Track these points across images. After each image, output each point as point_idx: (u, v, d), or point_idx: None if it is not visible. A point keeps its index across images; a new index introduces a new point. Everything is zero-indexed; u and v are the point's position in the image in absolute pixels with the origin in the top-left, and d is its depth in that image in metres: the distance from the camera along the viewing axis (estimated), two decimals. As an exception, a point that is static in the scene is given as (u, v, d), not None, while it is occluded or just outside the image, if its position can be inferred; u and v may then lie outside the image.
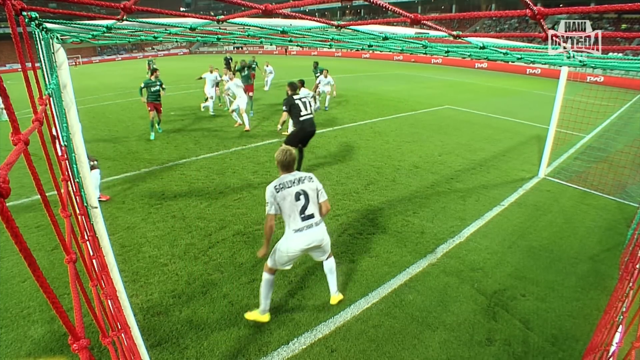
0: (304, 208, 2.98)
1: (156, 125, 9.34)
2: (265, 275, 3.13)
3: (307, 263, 4.06)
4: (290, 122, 6.74)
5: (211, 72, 11.73)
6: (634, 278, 2.15)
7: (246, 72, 11.38)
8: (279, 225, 4.08)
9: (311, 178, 3.09)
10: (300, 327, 3.15)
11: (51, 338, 3.01)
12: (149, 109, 8.89)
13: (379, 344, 3.01)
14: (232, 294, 3.56)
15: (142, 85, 8.78)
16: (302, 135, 6.03)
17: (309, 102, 6.01)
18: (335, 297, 3.42)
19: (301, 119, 5.92)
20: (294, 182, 2.99)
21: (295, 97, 6.01)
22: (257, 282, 3.72)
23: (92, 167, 4.94)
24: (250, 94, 11.17)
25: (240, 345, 2.97)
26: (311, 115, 6.00)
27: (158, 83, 8.98)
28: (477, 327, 3.20)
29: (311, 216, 3.01)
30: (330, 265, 3.34)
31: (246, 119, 9.51)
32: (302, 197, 2.97)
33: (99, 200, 4.67)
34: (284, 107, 6.01)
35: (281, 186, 2.96)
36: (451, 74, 25.10)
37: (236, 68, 11.69)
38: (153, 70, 9.34)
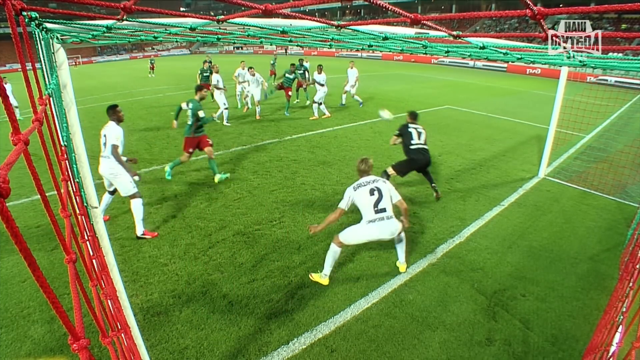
0: (377, 202, 3.44)
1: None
2: (333, 247, 3.58)
3: (307, 263, 4.06)
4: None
5: (243, 68, 12.07)
6: (634, 278, 2.15)
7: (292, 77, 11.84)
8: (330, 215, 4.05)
9: (385, 181, 3.62)
10: (300, 327, 3.15)
11: (51, 338, 3.01)
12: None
13: (379, 344, 3.01)
14: (232, 294, 3.56)
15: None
16: (412, 165, 5.51)
17: (423, 131, 5.61)
18: (401, 265, 3.87)
19: (411, 147, 5.45)
20: (369, 182, 3.55)
21: (410, 125, 5.62)
22: (257, 282, 3.72)
23: (133, 196, 4.44)
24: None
25: (240, 345, 2.97)
26: (423, 146, 5.50)
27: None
28: (477, 327, 3.20)
29: (383, 210, 3.46)
30: (400, 238, 3.78)
31: (258, 110, 11.06)
32: (375, 192, 3.46)
33: (144, 237, 4.50)
34: (396, 132, 5.71)
35: (358, 185, 3.54)
36: (451, 74, 25.10)
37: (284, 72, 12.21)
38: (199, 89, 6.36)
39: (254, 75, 10.97)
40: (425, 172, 5.62)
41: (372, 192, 3.46)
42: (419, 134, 5.53)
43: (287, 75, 11.57)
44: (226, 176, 6.34)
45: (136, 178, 4.47)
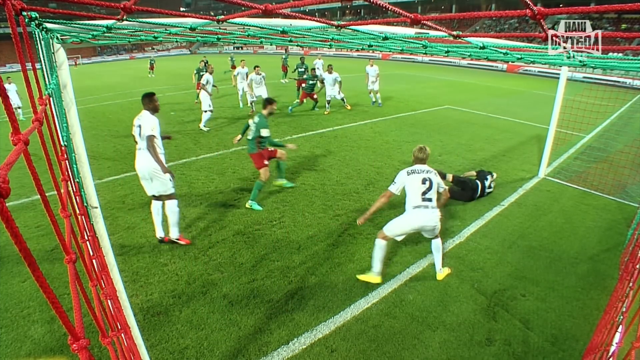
0: (426, 191, 3.59)
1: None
2: (379, 242, 3.67)
3: (307, 263, 4.06)
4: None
5: (243, 67, 12.30)
6: (634, 278, 2.15)
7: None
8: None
9: (436, 174, 3.73)
10: (300, 327, 3.15)
11: (51, 338, 3.01)
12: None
13: (379, 344, 3.01)
14: (232, 294, 3.56)
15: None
16: (469, 197, 5.66)
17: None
18: (440, 274, 3.84)
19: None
20: (423, 171, 3.67)
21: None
22: (257, 282, 3.72)
23: (170, 197, 4.11)
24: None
25: (240, 345, 2.97)
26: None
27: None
28: (477, 327, 3.20)
29: (430, 200, 3.59)
30: (437, 244, 3.79)
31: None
32: (427, 182, 3.61)
33: (177, 241, 4.27)
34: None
35: (412, 171, 3.68)
36: (451, 74, 25.10)
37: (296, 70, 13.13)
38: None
39: (259, 74, 10.94)
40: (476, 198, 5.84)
41: (424, 181, 3.61)
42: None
43: (310, 81, 11.75)
44: (291, 185, 6.02)
45: (168, 176, 4.11)
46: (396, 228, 3.64)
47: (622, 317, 1.78)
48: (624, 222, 5.14)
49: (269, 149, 5.50)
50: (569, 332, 3.18)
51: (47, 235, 4.58)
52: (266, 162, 5.36)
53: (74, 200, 1.56)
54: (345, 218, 5.06)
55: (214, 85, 10.13)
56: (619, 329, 1.78)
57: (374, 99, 13.13)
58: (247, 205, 5.36)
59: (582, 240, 4.67)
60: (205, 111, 9.62)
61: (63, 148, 1.65)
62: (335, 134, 9.36)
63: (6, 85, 11.09)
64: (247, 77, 12.58)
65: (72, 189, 1.60)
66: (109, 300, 1.59)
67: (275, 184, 6.02)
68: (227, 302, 3.45)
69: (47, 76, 1.75)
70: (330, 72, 11.63)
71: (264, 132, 5.21)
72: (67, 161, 1.57)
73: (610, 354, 1.70)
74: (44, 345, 2.94)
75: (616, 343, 1.72)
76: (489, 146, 8.51)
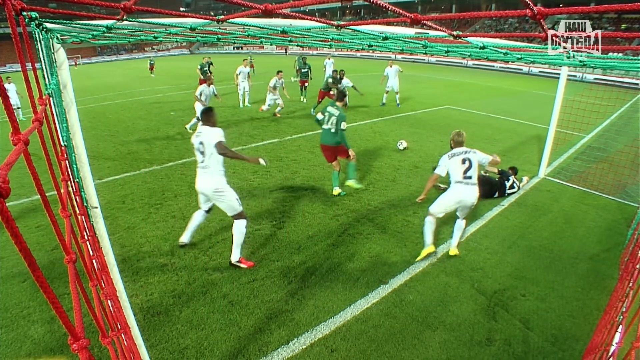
0: (467, 170, 3.97)
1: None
2: (428, 219, 4.13)
3: (307, 263, 4.06)
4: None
5: (245, 66, 12.24)
6: (634, 278, 2.15)
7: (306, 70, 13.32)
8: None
9: (475, 152, 4.07)
10: (300, 327, 3.15)
11: (51, 338, 3.01)
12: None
13: (379, 344, 3.01)
14: (232, 294, 3.56)
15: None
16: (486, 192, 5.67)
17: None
18: (453, 250, 4.24)
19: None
20: (461, 153, 4.05)
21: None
22: (257, 282, 3.72)
23: (239, 216, 3.87)
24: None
25: (240, 345, 2.97)
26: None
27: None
28: (477, 327, 3.20)
29: (470, 177, 3.96)
30: (460, 225, 4.24)
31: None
32: (466, 162, 3.98)
33: (238, 264, 3.92)
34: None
35: (452, 155, 4.08)
36: (451, 74, 25.11)
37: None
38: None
39: (281, 78, 10.77)
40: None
41: (463, 162, 4.00)
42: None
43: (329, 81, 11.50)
44: (360, 186, 5.95)
45: (262, 162, 4.06)
46: (440, 206, 4.07)
47: (622, 317, 1.78)
48: (624, 222, 5.14)
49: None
50: (569, 332, 3.18)
51: (47, 235, 4.57)
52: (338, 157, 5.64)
53: (74, 200, 1.56)
54: (345, 218, 5.06)
55: (215, 95, 9.33)
56: (619, 329, 1.78)
57: (385, 101, 13.04)
58: (347, 183, 5.87)
59: (582, 240, 4.67)
60: (198, 119, 8.94)
61: (63, 148, 1.65)
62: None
63: (6, 85, 11.08)
64: (248, 76, 12.57)
65: (72, 189, 1.60)
66: (109, 300, 1.59)
67: (348, 185, 5.90)
68: (227, 302, 3.45)
69: (47, 76, 1.75)
70: (341, 78, 11.46)
71: (344, 125, 5.40)
72: (67, 161, 1.57)
73: (610, 353, 1.70)
74: (44, 345, 2.94)
75: (616, 343, 1.72)
76: (489, 146, 8.51)
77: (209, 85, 9.01)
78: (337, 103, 5.53)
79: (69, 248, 0.97)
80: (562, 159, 7.78)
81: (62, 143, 1.71)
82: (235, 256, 3.94)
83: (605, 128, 10.71)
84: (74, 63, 42.28)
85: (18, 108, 12.32)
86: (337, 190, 5.78)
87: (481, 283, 3.77)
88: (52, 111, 1.55)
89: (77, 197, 1.66)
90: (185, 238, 4.25)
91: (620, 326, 1.77)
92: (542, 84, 21.26)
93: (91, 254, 1.57)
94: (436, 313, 3.35)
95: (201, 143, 3.82)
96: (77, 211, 1.55)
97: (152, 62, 25.96)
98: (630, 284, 2.11)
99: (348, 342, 3.01)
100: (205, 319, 3.24)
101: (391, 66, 12.58)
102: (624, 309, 1.85)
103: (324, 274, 3.88)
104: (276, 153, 7.82)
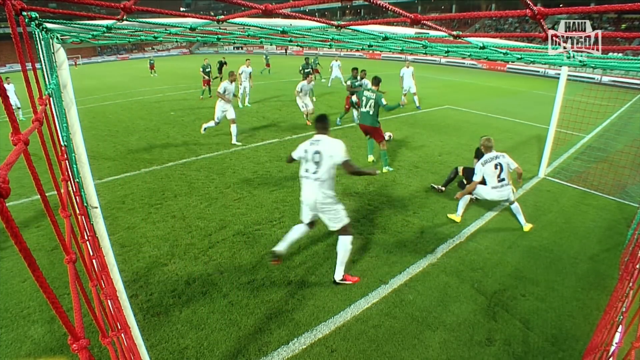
0: (499, 174, 4.66)
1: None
2: (464, 197, 4.95)
3: (307, 263, 4.06)
4: None
5: (248, 66, 12.31)
6: (634, 278, 2.15)
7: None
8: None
9: (504, 156, 4.75)
10: (300, 327, 3.15)
11: (51, 338, 3.01)
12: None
13: (379, 344, 3.01)
14: (232, 294, 3.56)
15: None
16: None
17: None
18: (526, 226, 4.82)
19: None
20: (493, 158, 4.72)
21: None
22: (257, 282, 3.72)
23: (345, 231, 3.58)
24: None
25: (240, 345, 2.97)
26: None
27: None
28: (477, 327, 3.20)
29: (503, 179, 4.68)
30: (516, 208, 4.86)
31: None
32: (498, 167, 4.66)
33: (343, 282, 3.68)
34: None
35: (485, 161, 4.73)
36: (451, 74, 25.10)
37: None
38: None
39: (310, 82, 9.96)
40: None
41: (496, 167, 4.65)
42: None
43: (353, 82, 9.85)
44: (391, 169, 6.87)
45: (378, 171, 4.54)
46: (482, 192, 4.82)
47: (622, 317, 1.78)
48: (624, 222, 5.14)
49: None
50: (569, 332, 3.18)
51: (47, 235, 4.58)
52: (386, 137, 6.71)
53: (74, 200, 1.56)
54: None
55: (234, 95, 8.83)
56: (619, 329, 1.78)
57: (403, 102, 12.56)
58: (384, 171, 6.71)
59: (582, 240, 4.67)
60: (215, 122, 8.60)
61: (63, 148, 1.65)
62: (335, 134, 9.34)
63: (5, 86, 11.10)
64: (250, 76, 12.56)
65: (72, 189, 1.60)
66: (109, 300, 1.59)
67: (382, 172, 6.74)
68: (227, 302, 3.45)
69: (47, 76, 1.75)
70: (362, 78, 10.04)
71: (384, 101, 6.42)
72: (67, 161, 1.57)
73: (610, 353, 1.70)
74: (44, 345, 2.94)
75: (616, 343, 1.72)
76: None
77: (231, 82, 8.48)
78: (373, 87, 6.63)
79: (69, 248, 0.97)
80: (562, 159, 7.78)
81: (62, 143, 1.71)
82: (339, 274, 3.68)
83: (605, 128, 10.71)
84: (73, 63, 42.33)
85: (18, 108, 12.34)
86: (371, 158, 7.24)
87: (481, 283, 3.78)
88: (52, 111, 1.55)
89: (77, 197, 1.66)
90: (281, 247, 3.74)
91: (620, 326, 1.77)
92: (542, 84, 21.26)
93: (91, 254, 1.57)
94: (436, 313, 3.35)
95: (317, 152, 3.49)
96: (77, 211, 1.55)
97: (152, 62, 25.98)
98: (630, 284, 2.11)
99: (348, 342, 3.01)
100: (205, 319, 3.24)
101: (408, 67, 12.40)
102: (624, 309, 1.85)
103: (324, 274, 3.88)
104: (276, 153, 7.82)
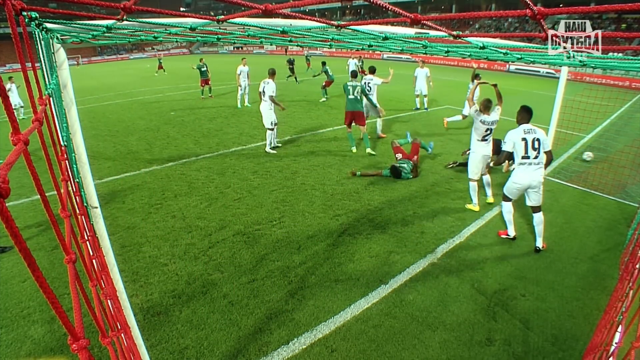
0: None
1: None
2: (473, 185, 5.32)
3: (307, 263, 4.06)
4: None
5: (245, 65, 12.23)
6: (634, 278, 2.15)
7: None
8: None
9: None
10: (300, 327, 3.15)
11: (51, 338, 3.01)
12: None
13: (379, 344, 3.01)
14: (232, 294, 3.56)
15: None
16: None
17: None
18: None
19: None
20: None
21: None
22: (257, 282, 3.72)
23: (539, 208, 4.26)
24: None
25: (240, 345, 2.97)
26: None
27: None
28: (477, 327, 3.20)
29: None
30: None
31: None
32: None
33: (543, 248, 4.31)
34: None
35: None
36: (451, 74, 25.09)
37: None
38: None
39: (373, 83, 8.62)
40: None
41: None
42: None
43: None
44: (374, 154, 7.63)
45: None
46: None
47: (622, 317, 1.78)
48: (624, 222, 5.14)
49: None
50: (569, 332, 3.17)
51: (47, 235, 4.58)
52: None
53: (74, 200, 1.56)
54: (345, 218, 5.05)
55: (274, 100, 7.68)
56: (619, 329, 1.78)
57: (418, 105, 12.35)
58: (367, 152, 7.58)
59: (582, 240, 4.66)
60: (270, 129, 7.80)
61: (63, 148, 1.65)
62: (335, 133, 9.35)
63: (7, 85, 11.17)
64: (248, 76, 12.56)
65: (72, 189, 1.60)
66: (109, 300, 1.59)
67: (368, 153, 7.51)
68: (227, 302, 3.45)
69: (47, 76, 1.75)
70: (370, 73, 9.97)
71: (377, 82, 8.30)
72: (67, 161, 1.57)
73: (610, 353, 1.70)
74: (44, 345, 2.94)
75: (616, 343, 1.72)
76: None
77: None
78: (356, 78, 7.64)
79: (68, 248, 0.97)
80: (562, 159, 7.78)
81: (62, 143, 1.71)
82: (539, 242, 4.36)
83: (605, 128, 10.70)
84: (75, 63, 42.39)
85: (21, 107, 12.40)
86: (354, 150, 7.87)
87: (481, 283, 3.77)
88: (52, 111, 1.55)
89: (77, 197, 1.66)
90: (513, 231, 4.59)
91: (620, 326, 1.77)
92: (542, 84, 21.24)
93: (91, 254, 1.57)
94: (436, 313, 3.34)
95: (537, 140, 4.19)
96: (77, 211, 1.55)
97: (160, 61, 26.31)
98: (630, 284, 2.11)
99: (348, 342, 3.01)
100: (205, 319, 3.24)
101: (422, 67, 11.85)
102: (623, 309, 1.85)
103: (324, 274, 3.88)
104: (276, 153, 7.82)
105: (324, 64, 14.88)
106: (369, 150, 7.63)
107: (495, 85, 5.59)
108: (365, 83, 8.29)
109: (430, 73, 12.14)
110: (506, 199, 4.45)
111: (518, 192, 4.31)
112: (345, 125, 7.78)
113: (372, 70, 8.69)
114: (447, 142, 8.80)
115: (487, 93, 8.34)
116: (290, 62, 19.34)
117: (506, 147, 4.36)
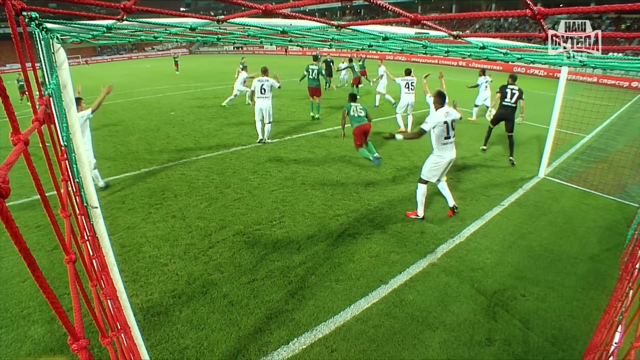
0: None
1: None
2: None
3: (307, 263, 4.06)
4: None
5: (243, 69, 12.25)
6: (633, 278, 2.15)
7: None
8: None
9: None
10: (300, 327, 3.15)
11: (51, 338, 3.01)
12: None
13: (379, 344, 3.01)
14: (232, 294, 3.56)
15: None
16: (499, 117, 7.63)
17: (517, 92, 7.26)
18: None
19: (503, 103, 7.45)
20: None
21: (508, 86, 7.45)
22: (257, 282, 3.72)
23: None
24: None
25: (240, 345, 2.97)
26: (511, 104, 7.34)
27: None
28: (477, 327, 3.20)
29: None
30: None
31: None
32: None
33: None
34: (497, 91, 7.58)
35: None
36: (451, 74, 25.09)
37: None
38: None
39: (408, 86, 9.34)
40: (509, 136, 7.45)
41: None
42: (513, 94, 7.23)
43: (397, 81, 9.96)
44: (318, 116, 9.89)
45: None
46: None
47: (621, 317, 1.78)
48: (624, 222, 5.14)
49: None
50: (569, 332, 3.18)
51: (47, 235, 4.58)
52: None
53: (74, 200, 1.56)
54: (345, 218, 5.05)
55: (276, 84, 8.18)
56: (619, 329, 1.78)
57: (474, 117, 12.00)
58: (314, 115, 10.05)
59: (582, 240, 4.67)
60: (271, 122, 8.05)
61: (63, 148, 1.65)
62: (335, 133, 9.35)
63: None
64: (244, 81, 12.56)
65: (72, 189, 1.60)
66: (109, 300, 1.59)
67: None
68: (227, 302, 3.45)
69: (47, 76, 1.75)
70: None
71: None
72: (67, 161, 1.57)
73: (610, 353, 1.70)
74: (44, 345, 2.94)
75: (616, 343, 1.72)
76: (489, 146, 8.51)
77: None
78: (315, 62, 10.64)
79: (68, 248, 0.97)
80: (562, 159, 7.78)
81: (62, 143, 1.71)
82: (451, 202, 5.05)
83: (605, 128, 10.70)
84: (85, 62, 42.59)
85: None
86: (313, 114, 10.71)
87: (481, 283, 3.77)
88: (52, 111, 1.55)
89: (77, 197, 1.66)
90: (422, 212, 5.01)
91: (620, 326, 1.77)
92: (542, 84, 21.25)
93: (91, 254, 1.57)
94: (436, 313, 3.34)
95: (454, 120, 4.71)
96: (77, 211, 1.55)
97: (176, 60, 26.11)
98: (630, 284, 2.11)
99: (348, 342, 3.01)
100: (205, 319, 3.24)
101: (483, 74, 11.16)
102: (623, 309, 1.85)
103: (324, 274, 3.88)
104: (276, 153, 7.82)
105: (350, 60, 14.23)
106: (317, 115, 10.62)
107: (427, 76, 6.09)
108: (409, 83, 9.81)
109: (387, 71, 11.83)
110: (423, 182, 4.89)
111: (439, 171, 4.80)
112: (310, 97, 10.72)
113: (408, 72, 9.97)
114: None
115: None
116: (328, 64, 15.59)
117: (427, 127, 4.67)
